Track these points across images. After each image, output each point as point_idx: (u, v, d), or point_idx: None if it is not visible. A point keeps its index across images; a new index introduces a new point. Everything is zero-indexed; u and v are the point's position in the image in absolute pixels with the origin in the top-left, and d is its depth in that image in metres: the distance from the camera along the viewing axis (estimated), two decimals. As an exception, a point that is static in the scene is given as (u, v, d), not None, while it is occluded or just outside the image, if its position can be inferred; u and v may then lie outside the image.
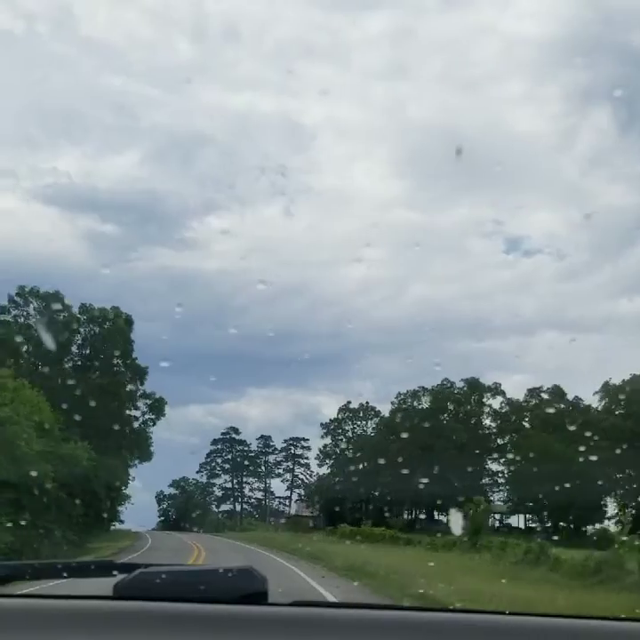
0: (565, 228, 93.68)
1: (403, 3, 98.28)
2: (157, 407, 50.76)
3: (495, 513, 70.78)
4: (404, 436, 69.01)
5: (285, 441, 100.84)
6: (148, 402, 51.12)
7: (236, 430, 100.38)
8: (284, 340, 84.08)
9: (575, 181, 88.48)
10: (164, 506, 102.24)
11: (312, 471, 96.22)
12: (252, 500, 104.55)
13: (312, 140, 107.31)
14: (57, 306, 45.17)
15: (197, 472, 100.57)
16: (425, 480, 55.75)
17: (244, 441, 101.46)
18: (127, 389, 47.19)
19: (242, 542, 50.37)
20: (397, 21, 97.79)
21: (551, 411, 70.21)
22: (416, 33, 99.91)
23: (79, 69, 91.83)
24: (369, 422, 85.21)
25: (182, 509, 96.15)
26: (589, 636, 1.73)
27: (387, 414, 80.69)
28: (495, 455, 76.59)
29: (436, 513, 74.24)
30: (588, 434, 61.92)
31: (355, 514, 65.81)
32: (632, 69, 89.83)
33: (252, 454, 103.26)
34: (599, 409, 72.08)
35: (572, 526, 64.49)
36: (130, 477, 52.55)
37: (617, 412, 66.49)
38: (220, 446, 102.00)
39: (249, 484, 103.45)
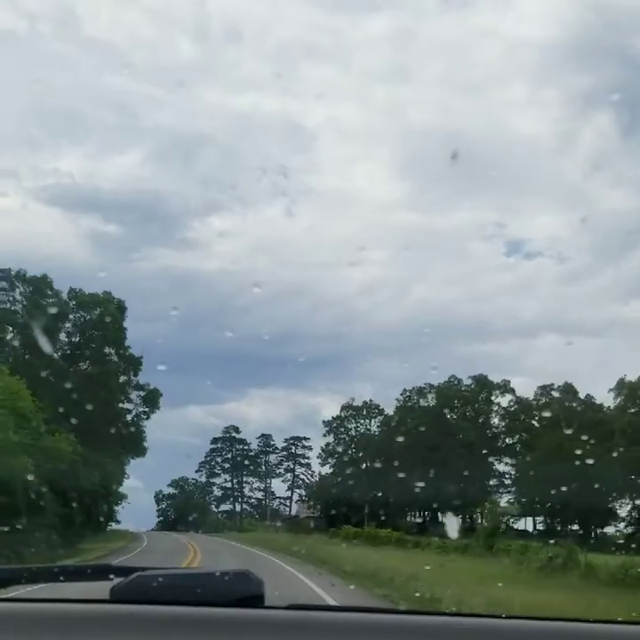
0: (567, 231, 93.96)
1: (404, 5, 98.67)
2: (151, 399, 47.92)
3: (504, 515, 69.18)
4: (410, 434, 67.75)
5: (286, 440, 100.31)
6: (142, 394, 48.39)
7: (236, 429, 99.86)
8: (285, 341, 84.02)
9: (577, 185, 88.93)
10: (163, 506, 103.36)
11: (313, 471, 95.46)
12: (252, 501, 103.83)
13: (313, 141, 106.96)
14: (45, 291, 42.74)
15: (197, 471, 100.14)
16: (431, 480, 54.16)
17: (245, 440, 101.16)
18: (120, 381, 44.75)
19: (241, 544, 49.10)
20: (399, 23, 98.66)
21: (562, 409, 68.08)
22: (417, 35, 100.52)
23: (81, 69, 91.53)
24: (373, 421, 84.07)
25: (181, 509, 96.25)
26: (589, 639, 1.74)
27: (390, 413, 79.71)
28: (503, 455, 74.61)
29: (440, 514, 72.82)
30: (602, 433, 60.91)
31: (358, 515, 64.07)
32: (634, 73, 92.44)
33: (253, 453, 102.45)
34: (611, 408, 70.05)
35: (588, 529, 62.50)
36: (125, 475, 51.11)
37: (632, 410, 64.42)
38: (219, 445, 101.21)
39: (249, 483, 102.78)
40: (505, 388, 75.10)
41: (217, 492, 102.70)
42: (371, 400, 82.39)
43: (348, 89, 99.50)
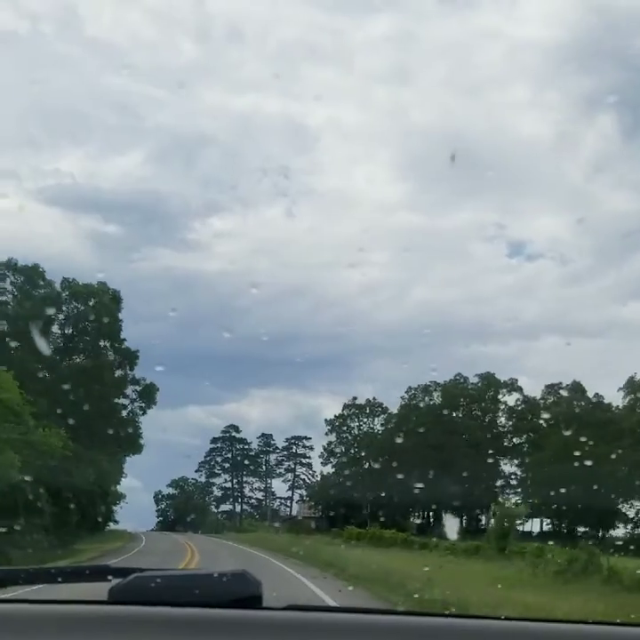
0: (569, 232, 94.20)
1: (406, 6, 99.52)
2: (148, 394, 46.28)
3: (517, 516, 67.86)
4: (414, 433, 66.61)
5: (287, 440, 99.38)
6: (138, 388, 46.58)
7: (236, 428, 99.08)
8: (285, 341, 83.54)
9: (579, 186, 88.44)
10: (163, 506, 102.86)
11: (314, 471, 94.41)
12: (253, 501, 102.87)
13: (315, 142, 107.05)
14: (37, 281, 41.02)
15: (196, 471, 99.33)
16: (435, 481, 53.10)
17: (245, 439, 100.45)
18: (115, 375, 43.03)
19: (241, 544, 48.09)
20: (400, 24, 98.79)
21: (571, 407, 66.84)
22: (419, 36, 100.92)
23: (83, 70, 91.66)
24: (376, 419, 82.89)
25: (181, 510, 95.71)
26: None
27: (394, 411, 78.39)
28: (510, 455, 73.31)
29: (443, 515, 70.88)
30: (610, 432, 59.73)
31: (359, 515, 62.91)
32: (636, 75, 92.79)
33: (253, 453, 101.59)
34: (620, 407, 68.93)
35: (597, 531, 61.23)
36: (122, 474, 49.95)
37: (640, 410, 63.31)
38: (219, 445, 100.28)
39: (249, 483, 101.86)
40: (512, 386, 73.74)
41: (217, 493, 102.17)
42: (374, 398, 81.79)
43: (349, 90, 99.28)
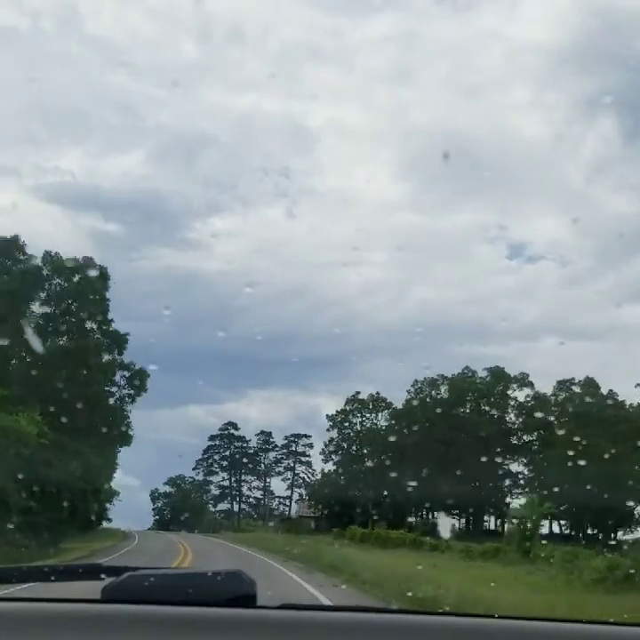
0: (569, 234, 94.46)
1: (407, 7, 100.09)
2: (138, 380, 43.28)
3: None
4: (420, 429, 64.71)
5: (286, 437, 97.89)
6: (127, 374, 43.26)
7: (234, 425, 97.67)
8: (285, 341, 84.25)
9: (579, 188, 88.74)
10: (159, 504, 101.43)
11: (314, 470, 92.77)
12: (251, 500, 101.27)
13: (315, 142, 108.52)
14: (15, 254, 37.78)
15: (193, 469, 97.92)
16: (443, 479, 51.02)
17: (243, 437, 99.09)
18: (103, 360, 40.00)
19: (238, 545, 46.16)
20: (401, 25, 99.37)
21: (585, 405, 64.36)
22: (420, 37, 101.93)
23: (83, 68, 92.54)
24: (380, 414, 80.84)
25: (177, 508, 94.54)
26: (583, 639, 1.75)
27: (399, 406, 76.48)
28: (519, 453, 70.96)
29: (450, 515, 71.11)
30: (623, 431, 57.73)
31: (362, 515, 60.64)
32: (637, 77, 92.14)
33: (251, 451, 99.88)
34: (634, 405, 66.64)
35: (609, 532, 58.82)
36: (115, 469, 47.69)
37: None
38: (217, 442, 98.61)
39: (247, 482, 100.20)
40: (523, 381, 71.10)
41: (214, 491, 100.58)
42: (377, 393, 79.98)
43: (350, 90, 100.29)
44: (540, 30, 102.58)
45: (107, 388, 41.31)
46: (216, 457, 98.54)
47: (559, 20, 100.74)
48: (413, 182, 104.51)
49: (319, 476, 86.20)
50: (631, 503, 61.01)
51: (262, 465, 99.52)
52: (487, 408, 71.63)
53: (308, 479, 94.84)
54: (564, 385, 69.97)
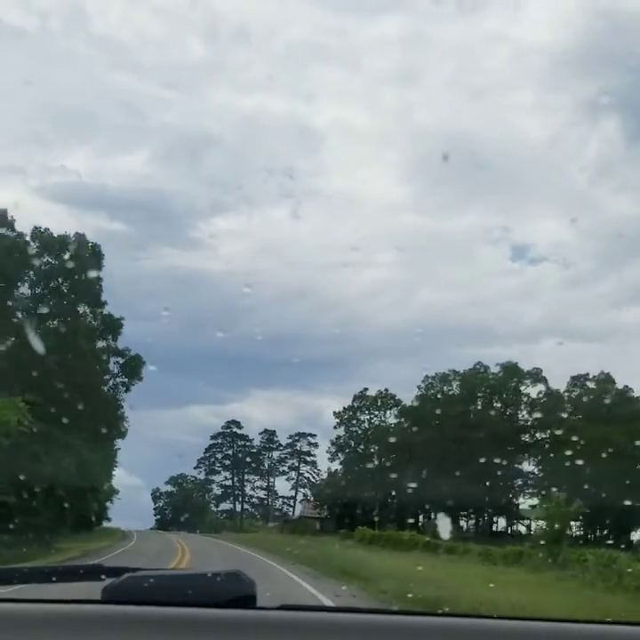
0: (572, 236, 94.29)
1: (414, 8, 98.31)
2: (132, 368, 40.73)
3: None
4: (429, 427, 63.09)
5: (291, 436, 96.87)
6: (121, 361, 41.10)
7: (237, 424, 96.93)
8: (288, 342, 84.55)
9: (583, 190, 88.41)
10: (161, 504, 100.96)
11: (319, 469, 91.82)
12: (254, 500, 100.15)
13: (320, 143, 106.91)
14: (3, 230, 35.62)
15: (195, 468, 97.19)
16: (452, 478, 49.19)
17: (246, 436, 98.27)
18: (97, 346, 37.68)
19: (240, 546, 44.47)
20: (408, 26, 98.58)
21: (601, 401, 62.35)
22: (426, 38, 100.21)
23: (90, 68, 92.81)
24: (388, 411, 78.98)
25: (179, 508, 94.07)
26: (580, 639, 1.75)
27: (408, 403, 74.44)
28: (532, 451, 68.89)
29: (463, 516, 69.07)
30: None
31: (370, 515, 58.73)
32: None
33: (255, 450, 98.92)
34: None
35: (627, 534, 56.65)
36: (114, 466, 46.17)
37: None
38: (219, 441, 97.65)
39: (250, 482, 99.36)
40: (536, 377, 69.00)
41: (216, 491, 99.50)
42: (386, 390, 78.17)
43: (355, 91, 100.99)
44: (545, 32, 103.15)
45: (100, 376, 39.19)
46: (218, 456, 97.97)
47: (563, 21, 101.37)
48: (418, 184, 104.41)
49: (325, 476, 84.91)
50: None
51: (266, 464, 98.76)
52: (499, 405, 69.90)
53: (312, 479, 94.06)
54: (578, 380, 67.99)
